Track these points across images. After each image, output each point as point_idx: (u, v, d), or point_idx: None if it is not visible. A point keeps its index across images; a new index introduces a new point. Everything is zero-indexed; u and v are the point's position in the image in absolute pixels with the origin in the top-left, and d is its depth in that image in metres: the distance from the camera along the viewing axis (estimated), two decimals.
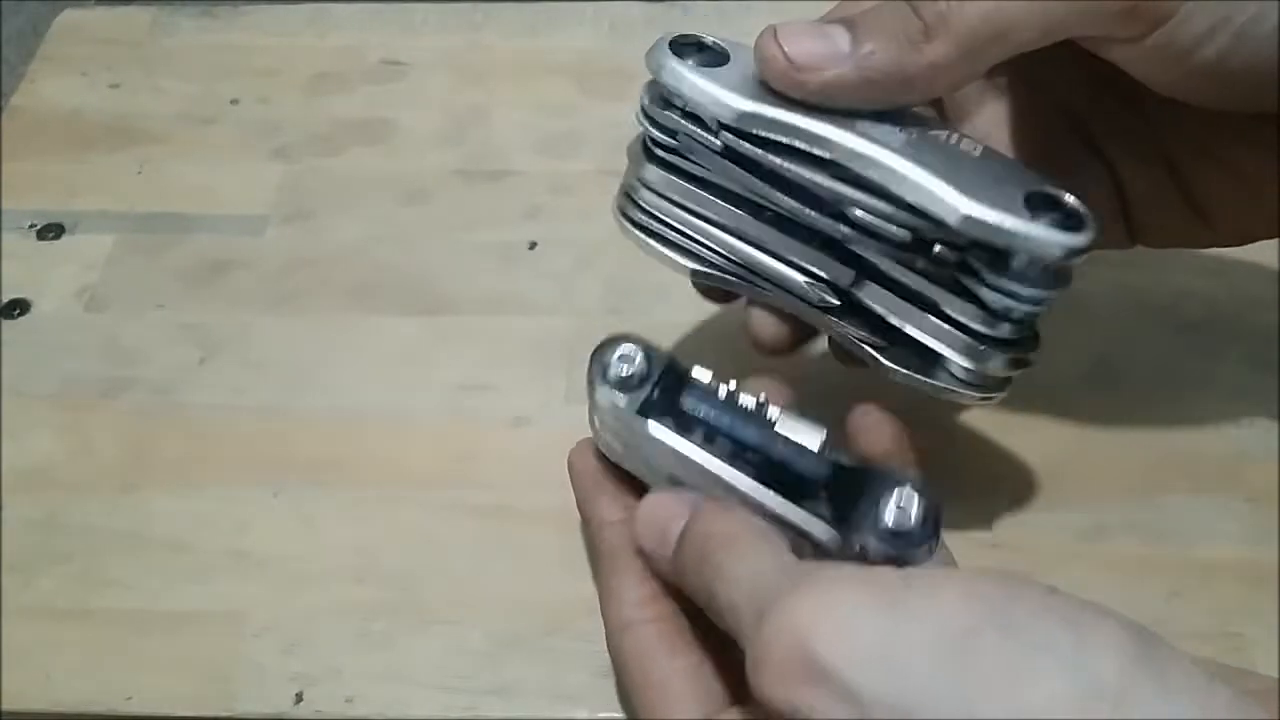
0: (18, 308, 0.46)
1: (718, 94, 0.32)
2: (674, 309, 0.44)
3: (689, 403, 0.32)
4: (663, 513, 0.31)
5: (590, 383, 0.32)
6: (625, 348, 0.32)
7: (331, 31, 0.56)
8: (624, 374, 0.32)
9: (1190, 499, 0.39)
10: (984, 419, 0.41)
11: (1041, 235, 0.30)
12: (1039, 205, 0.30)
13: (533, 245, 0.47)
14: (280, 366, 0.44)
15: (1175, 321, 0.43)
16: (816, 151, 0.31)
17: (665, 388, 0.32)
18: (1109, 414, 0.41)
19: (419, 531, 0.39)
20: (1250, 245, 0.36)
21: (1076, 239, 0.30)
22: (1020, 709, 0.22)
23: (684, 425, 0.32)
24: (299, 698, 0.36)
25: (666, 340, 0.39)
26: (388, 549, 0.39)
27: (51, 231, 0.48)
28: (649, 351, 0.32)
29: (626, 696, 0.34)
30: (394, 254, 0.47)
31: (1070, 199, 0.31)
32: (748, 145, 0.32)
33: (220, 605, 0.38)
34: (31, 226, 0.48)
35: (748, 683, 0.25)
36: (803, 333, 0.36)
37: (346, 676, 0.36)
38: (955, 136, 0.32)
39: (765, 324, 0.36)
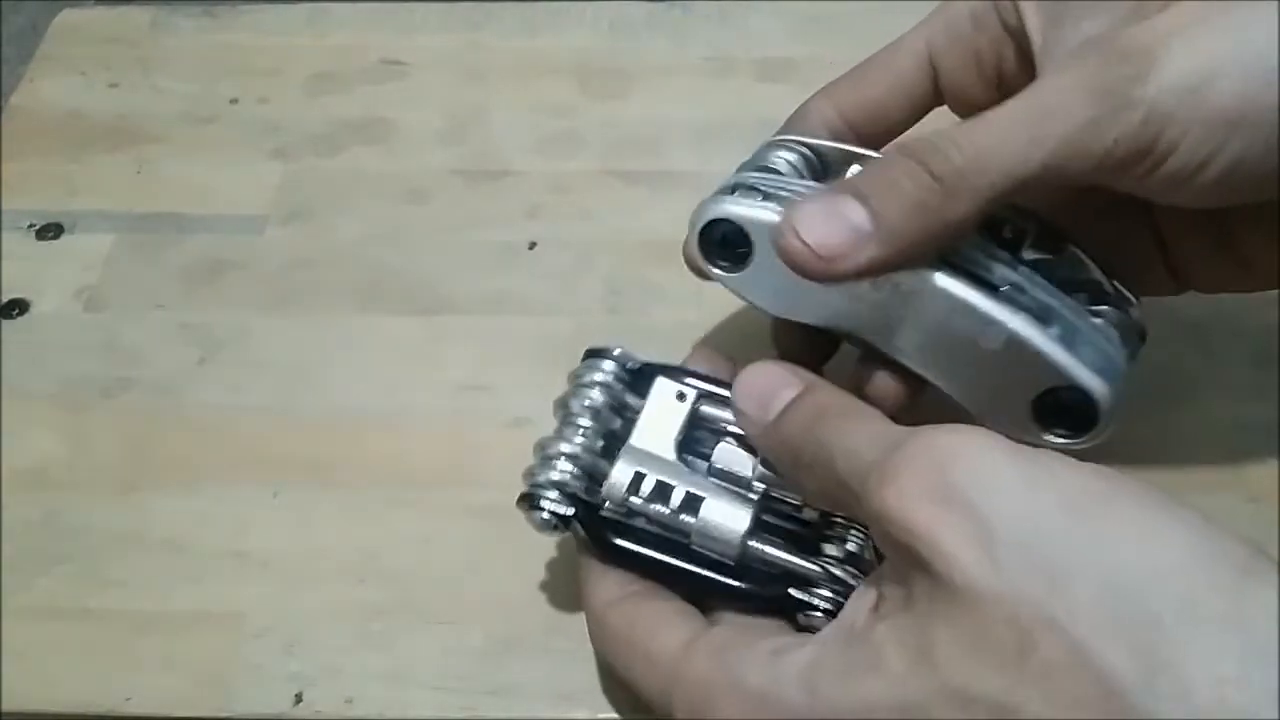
0: (17, 308, 0.46)
1: (749, 296, 0.34)
2: (674, 309, 0.44)
3: None
4: (768, 381, 0.32)
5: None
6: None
7: (331, 31, 0.56)
8: None
9: (1191, 499, 0.39)
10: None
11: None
12: (1048, 405, 0.32)
13: (533, 245, 0.47)
14: (280, 366, 0.44)
15: (1175, 321, 0.43)
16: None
17: None
18: None
19: (419, 531, 0.39)
20: None
21: (1077, 442, 0.33)
22: (1152, 563, 0.23)
23: None
24: (298, 698, 0.36)
25: (666, 340, 0.39)
26: (388, 549, 0.39)
27: (51, 231, 0.48)
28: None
29: (620, 691, 0.34)
30: (394, 254, 0.47)
31: (1069, 415, 0.32)
32: None
33: (220, 605, 0.38)
34: (31, 226, 0.48)
35: (864, 508, 0.26)
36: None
37: (346, 677, 0.36)
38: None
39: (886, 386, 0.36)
